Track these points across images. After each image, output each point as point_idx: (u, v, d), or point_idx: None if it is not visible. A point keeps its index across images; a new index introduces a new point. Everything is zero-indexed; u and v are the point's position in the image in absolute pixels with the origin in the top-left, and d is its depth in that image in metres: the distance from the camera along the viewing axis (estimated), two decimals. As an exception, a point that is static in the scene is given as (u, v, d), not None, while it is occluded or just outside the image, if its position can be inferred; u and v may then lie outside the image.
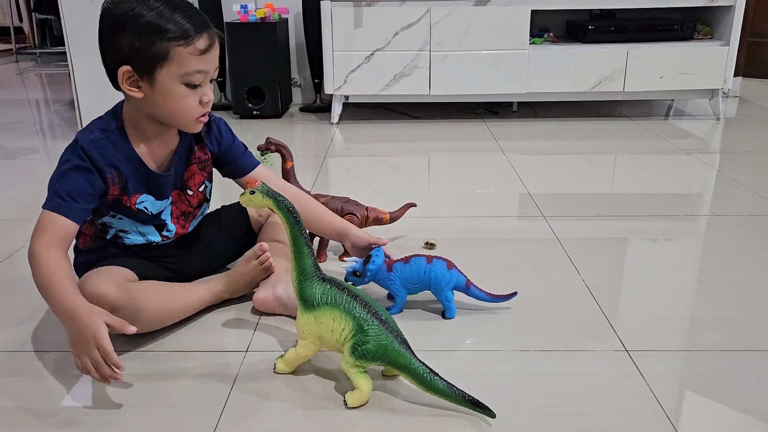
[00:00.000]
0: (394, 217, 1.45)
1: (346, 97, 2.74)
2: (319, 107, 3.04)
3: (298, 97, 3.23)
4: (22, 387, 1.00)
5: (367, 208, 1.42)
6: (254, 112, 2.85)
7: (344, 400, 0.94)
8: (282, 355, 1.01)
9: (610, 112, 2.92)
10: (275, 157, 1.46)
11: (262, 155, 1.40)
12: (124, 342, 1.09)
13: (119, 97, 1.11)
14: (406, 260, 1.16)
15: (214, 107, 3.10)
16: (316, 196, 1.38)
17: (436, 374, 0.92)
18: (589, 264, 1.39)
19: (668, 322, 1.16)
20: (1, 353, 1.09)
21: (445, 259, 1.17)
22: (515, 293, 1.20)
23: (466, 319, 1.17)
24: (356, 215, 1.39)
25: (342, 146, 2.45)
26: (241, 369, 1.03)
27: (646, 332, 1.13)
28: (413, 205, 1.49)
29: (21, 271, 1.40)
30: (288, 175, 1.42)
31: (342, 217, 1.35)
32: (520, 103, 3.03)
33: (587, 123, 2.74)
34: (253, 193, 0.93)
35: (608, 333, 1.12)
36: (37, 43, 5.56)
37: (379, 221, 1.43)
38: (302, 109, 3.07)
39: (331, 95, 2.72)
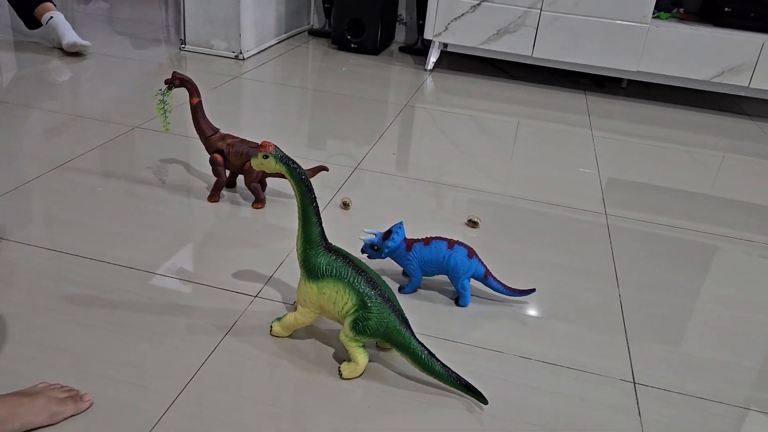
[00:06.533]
0: None
1: (445, 45, 2.65)
2: (419, 50, 2.96)
3: (401, 35, 3.15)
4: None
5: None
6: (352, 45, 2.81)
7: (339, 370, 0.95)
8: (279, 319, 1.02)
9: (732, 107, 2.65)
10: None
11: (168, 89, 1.38)
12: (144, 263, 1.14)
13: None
14: (427, 242, 1.13)
15: (318, 32, 3.09)
16: (224, 136, 1.39)
17: (433, 356, 0.93)
18: (635, 277, 1.30)
19: (698, 363, 1.07)
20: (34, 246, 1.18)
21: (467, 246, 1.13)
22: (533, 290, 1.16)
23: (479, 310, 1.14)
24: None
25: (431, 94, 2.38)
26: (243, 315, 1.06)
27: (665, 368, 1.05)
28: (325, 168, 1.39)
29: (97, 168, 1.49)
30: (196, 110, 1.40)
31: (245, 162, 1.37)
32: (630, 81, 2.81)
33: (701, 115, 2.51)
34: (266, 157, 0.92)
35: (622, 359, 1.05)
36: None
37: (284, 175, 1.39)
38: (402, 49, 3.00)
39: (430, 40, 2.63)
